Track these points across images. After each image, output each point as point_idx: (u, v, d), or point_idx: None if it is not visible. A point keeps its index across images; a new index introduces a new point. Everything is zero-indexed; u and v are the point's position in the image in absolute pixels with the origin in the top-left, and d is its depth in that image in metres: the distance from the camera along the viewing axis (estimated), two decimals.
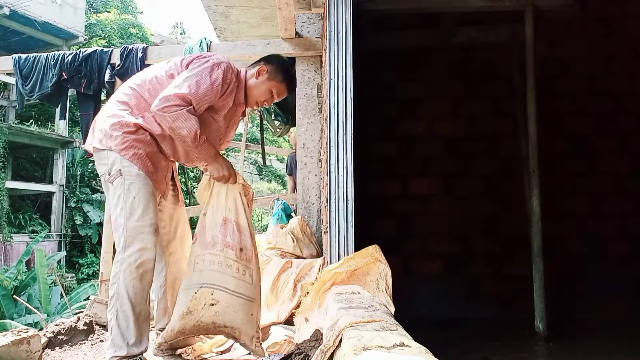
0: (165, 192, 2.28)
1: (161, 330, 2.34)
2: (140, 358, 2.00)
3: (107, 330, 2.89)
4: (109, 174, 2.08)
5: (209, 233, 2.19)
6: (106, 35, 18.44)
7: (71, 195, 16.15)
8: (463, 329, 3.85)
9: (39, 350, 2.18)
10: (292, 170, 5.94)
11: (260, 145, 6.01)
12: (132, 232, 2.02)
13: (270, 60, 2.34)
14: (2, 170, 14.33)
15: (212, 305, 2.10)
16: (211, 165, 2.17)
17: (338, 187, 2.43)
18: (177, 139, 2.14)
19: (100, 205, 15.47)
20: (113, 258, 2.39)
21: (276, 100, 2.41)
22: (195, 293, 2.11)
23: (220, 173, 2.17)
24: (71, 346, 2.62)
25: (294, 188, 5.78)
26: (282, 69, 2.31)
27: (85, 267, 15.41)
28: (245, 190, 2.27)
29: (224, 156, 2.29)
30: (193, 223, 2.73)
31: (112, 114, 2.12)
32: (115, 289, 2.01)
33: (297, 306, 2.76)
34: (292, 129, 5.87)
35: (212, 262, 2.14)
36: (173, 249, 2.37)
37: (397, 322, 1.54)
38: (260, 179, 20.65)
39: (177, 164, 2.40)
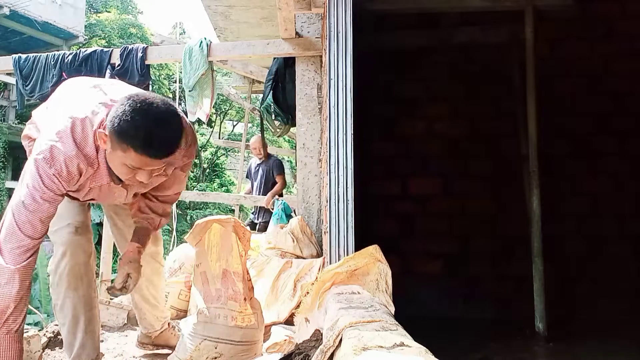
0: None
1: (144, 328, 2.33)
2: None
3: (107, 331, 2.90)
4: None
5: (213, 286, 2.16)
6: (106, 35, 18.43)
7: None
8: (463, 329, 3.84)
9: (39, 350, 2.18)
10: (249, 174, 6.02)
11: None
12: (52, 238, 1.86)
13: (112, 113, 1.49)
14: (2, 170, 14.33)
15: (215, 358, 2.09)
16: None
17: (338, 187, 2.43)
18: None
19: (100, 205, 15.44)
20: (113, 258, 2.39)
21: (159, 174, 1.62)
22: (200, 344, 2.09)
23: None
24: None
25: (251, 191, 5.93)
26: (123, 126, 1.44)
27: None
28: (239, 234, 2.19)
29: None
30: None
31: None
32: (54, 300, 1.88)
33: (297, 306, 2.76)
34: (253, 139, 5.96)
35: (217, 316, 2.11)
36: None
37: (397, 322, 1.54)
38: None
39: None
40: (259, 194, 5.72)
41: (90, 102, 1.61)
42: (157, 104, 1.48)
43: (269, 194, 5.50)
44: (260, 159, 5.85)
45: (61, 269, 1.84)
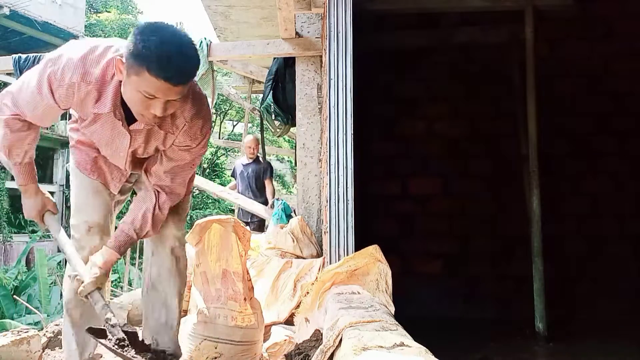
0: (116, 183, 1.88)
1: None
2: None
3: None
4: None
5: (213, 286, 2.16)
6: (106, 35, 18.44)
7: None
8: (463, 329, 3.85)
9: (39, 350, 2.18)
10: (234, 173, 5.99)
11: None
12: (70, 231, 1.84)
13: (129, 39, 1.44)
14: (2, 170, 14.33)
15: (215, 358, 2.08)
16: (22, 197, 1.80)
17: (338, 187, 2.43)
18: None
19: None
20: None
21: (173, 108, 1.51)
22: (200, 344, 2.09)
23: (25, 211, 1.82)
24: None
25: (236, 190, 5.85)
26: (138, 45, 1.38)
27: None
28: (239, 234, 2.17)
29: None
30: None
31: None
32: (64, 303, 1.88)
33: (297, 306, 2.76)
34: (250, 138, 5.92)
35: (217, 316, 2.11)
36: (150, 243, 1.96)
37: (397, 322, 1.54)
38: None
39: None
40: (248, 194, 5.68)
41: (113, 42, 1.64)
42: (175, 30, 1.44)
43: (269, 205, 5.50)
44: (250, 158, 5.80)
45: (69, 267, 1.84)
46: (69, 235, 1.83)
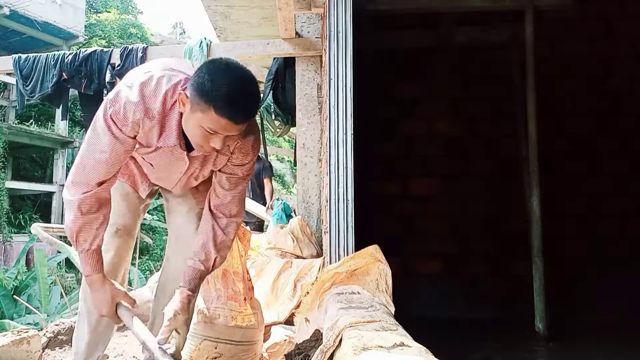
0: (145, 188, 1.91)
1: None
2: None
3: None
4: None
5: (213, 286, 2.16)
6: (106, 35, 18.45)
7: None
8: (463, 329, 3.84)
9: (39, 350, 2.18)
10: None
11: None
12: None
13: (193, 76, 1.50)
14: (2, 170, 14.33)
15: (215, 358, 2.08)
16: (89, 290, 1.67)
17: (338, 187, 2.43)
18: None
19: None
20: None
21: (230, 135, 1.52)
22: (200, 344, 2.09)
23: (93, 304, 1.67)
24: (71, 346, 2.62)
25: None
26: (206, 85, 1.43)
27: None
28: (239, 234, 2.16)
29: None
30: None
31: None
32: (80, 292, 1.89)
33: (297, 306, 2.76)
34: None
35: (217, 316, 2.11)
36: (170, 245, 2.02)
37: (397, 322, 1.54)
38: None
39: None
40: (247, 193, 5.69)
41: (171, 66, 1.66)
42: (240, 68, 1.49)
43: (268, 204, 5.51)
44: None
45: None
46: None
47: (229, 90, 1.42)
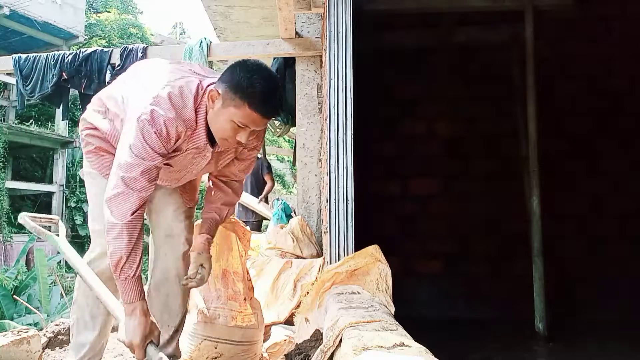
0: None
1: None
2: None
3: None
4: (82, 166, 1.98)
5: (213, 286, 2.16)
6: (106, 35, 18.45)
7: (71, 195, 16.16)
8: (463, 329, 3.85)
9: (39, 350, 2.18)
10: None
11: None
12: (93, 236, 1.87)
13: (225, 73, 1.63)
14: (2, 170, 14.33)
15: (215, 358, 2.08)
16: (124, 316, 1.61)
17: (338, 187, 2.43)
18: None
19: None
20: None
21: (255, 129, 1.65)
22: (200, 344, 2.08)
23: (124, 336, 1.59)
24: None
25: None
26: (242, 82, 1.55)
27: None
28: (239, 234, 2.17)
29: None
30: None
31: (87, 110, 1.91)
32: (76, 294, 1.88)
33: (297, 306, 2.76)
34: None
35: (217, 316, 2.11)
36: (159, 245, 2.01)
37: (397, 322, 1.54)
38: None
39: None
40: (249, 192, 5.74)
41: (179, 72, 1.70)
42: (268, 69, 1.64)
43: (262, 195, 5.56)
44: None
45: (94, 268, 1.82)
46: (84, 241, 1.83)
47: (262, 87, 1.54)
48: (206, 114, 1.65)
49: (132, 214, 1.57)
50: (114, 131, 1.79)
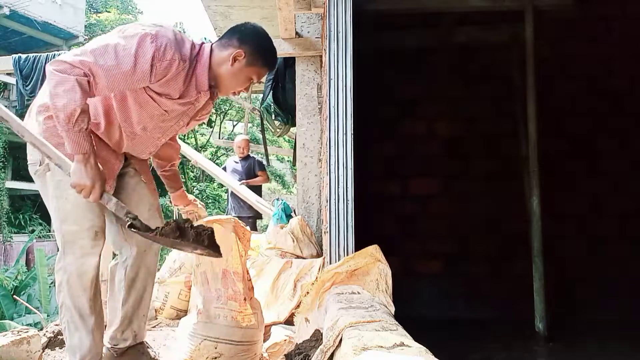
0: (110, 182, 1.87)
1: (112, 339, 1.99)
2: None
3: None
4: (39, 165, 1.84)
5: (213, 286, 2.16)
6: None
7: None
8: (463, 329, 3.85)
9: (39, 350, 2.18)
10: (225, 170, 6.10)
11: (260, 145, 6.04)
12: (69, 238, 1.80)
13: (245, 38, 1.80)
14: (2, 170, 14.33)
15: (215, 358, 2.08)
16: (75, 164, 1.62)
17: (338, 187, 2.43)
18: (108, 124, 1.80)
19: None
20: (113, 258, 2.34)
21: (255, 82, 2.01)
22: (200, 344, 2.08)
23: (78, 179, 1.61)
24: None
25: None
26: (262, 47, 1.84)
27: None
28: (239, 234, 2.18)
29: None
30: None
31: (41, 93, 1.84)
32: (61, 298, 1.82)
33: (297, 306, 2.76)
34: (241, 138, 6.17)
35: (217, 316, 2.10)
36: (141, 247, 1.98)
37: (397, 322, 1.54)
38: None
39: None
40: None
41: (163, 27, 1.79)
42: (267, 33, 1.92)
43: (249, 181, 5.65)
44: (240, 157, 6.03)
45: (75, 269, 1.80)
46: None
47: (270, 50, 1.90)
48: (211, 65, 1.80)
49: (83, 76, 1.58)
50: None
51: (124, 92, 1.75)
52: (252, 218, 5.76)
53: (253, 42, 1.82)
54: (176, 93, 1.78)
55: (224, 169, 6.12)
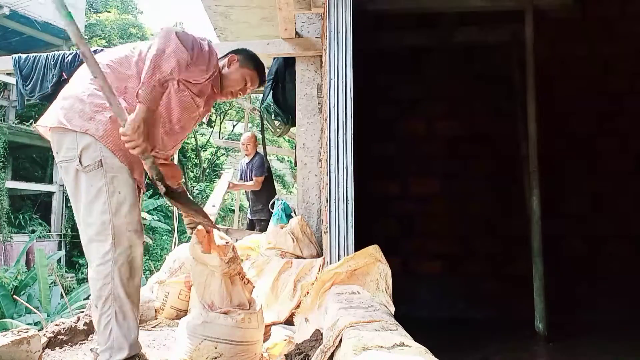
0: (142, 185, 2.09)
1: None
2: (140, 354, 1.98)
3: None
4: (81, 163, 1.90)
5: (213, 286, 2.16)
6: (106, 35, 18.44)
7: None
8: (463, 329, 3.85)
9: (39, 350, 2.18)
10: (241, 174, 5.94)
11: (260, 145, 6.02)
12: (119, 230, 1.92)
13: (238, 51, 2.35)
14: (2, 170, 14.32)
15: (215, 358, 2.09)
16: (135, 116, 1.81)
17: (338, 187, 2.43)
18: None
19: None
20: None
21: (249, 91, 2.39)
22: (200, 344, 2.08)
23: (133, 130, 1.80)
24: (71, 346, 2.62)
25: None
26: (252, 57, 2.34)
27: (85, 267, 15.26)
28: (222, 255, 2.16)
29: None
30: None
31: (91, 92, 1.94)
32: (110, 289, 1.90)
33: (297, 306, 2.76)
34: (244, 135, 6.00)
35: (218, 316, 2.11)
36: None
37: (397, 322, 1.54)
38: None
39: None
40: (249, 192, 5.76)
41: None
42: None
43: (238, 184, 5.56)
44: (247, 156, 5.85)
45: (125, 259, 1.93)
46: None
47: (261, 63, 2.38)
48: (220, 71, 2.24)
49: (185, 61, 1.93)
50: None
51: (170, 92, 2.07)
52: (267, 220, 5.70)
53: (244, 51, 2.37)
54: (207, 92, 2.22)
55: (240, 171, 6.01)
